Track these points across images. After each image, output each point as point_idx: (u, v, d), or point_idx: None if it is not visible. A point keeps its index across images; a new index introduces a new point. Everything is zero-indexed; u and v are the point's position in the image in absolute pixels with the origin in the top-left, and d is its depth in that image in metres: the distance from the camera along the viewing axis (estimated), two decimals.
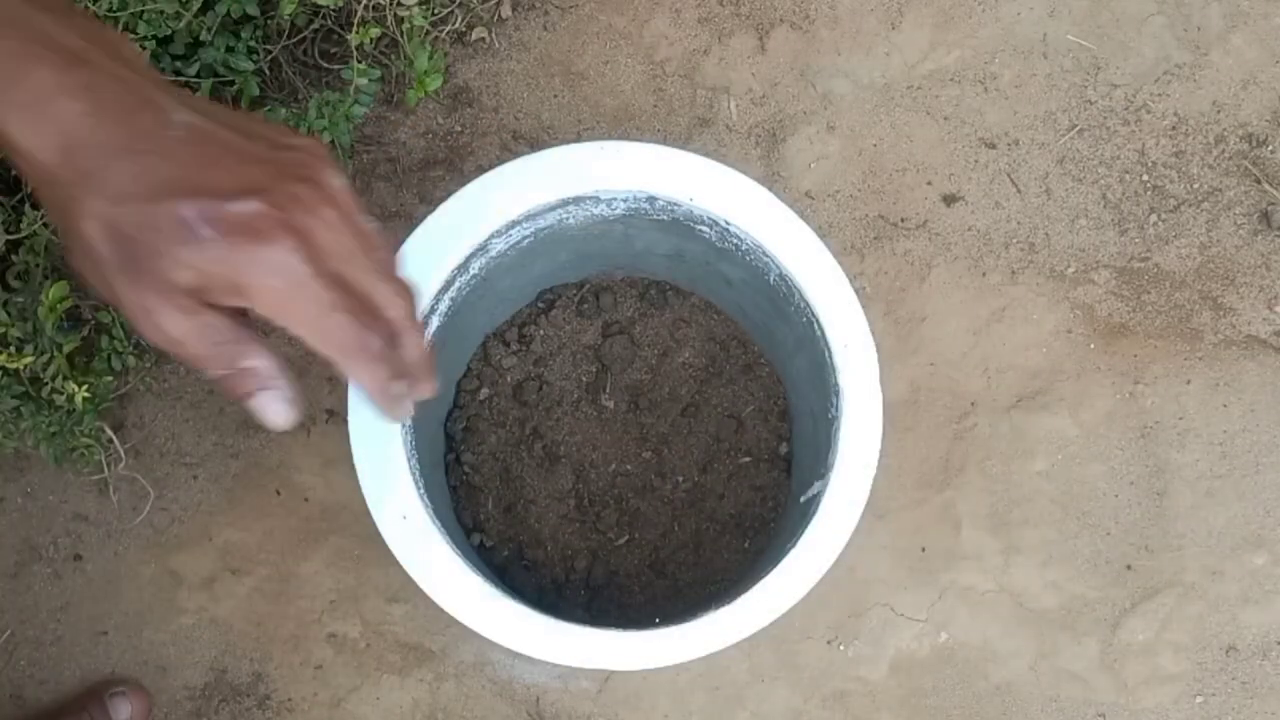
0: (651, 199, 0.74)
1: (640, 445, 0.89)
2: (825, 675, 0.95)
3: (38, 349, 0.83)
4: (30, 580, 0.94)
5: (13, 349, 0.81)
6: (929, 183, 1.00)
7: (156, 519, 0.94)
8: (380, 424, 0.71)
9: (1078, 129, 1.01)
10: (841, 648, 0.95)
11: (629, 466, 0.89)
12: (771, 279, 0.76)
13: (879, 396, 0.72)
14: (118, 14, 0.78)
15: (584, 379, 0.89)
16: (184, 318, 0.43)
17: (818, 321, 0.73)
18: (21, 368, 0.81)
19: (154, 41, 0.83)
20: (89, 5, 0.77)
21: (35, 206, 0.87)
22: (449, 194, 0.73)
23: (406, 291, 0.47)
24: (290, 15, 0.86)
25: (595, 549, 0.88)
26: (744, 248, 0.75)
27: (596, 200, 0.75)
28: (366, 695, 0.93)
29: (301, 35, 0.92)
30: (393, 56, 0.95)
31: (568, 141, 0.73)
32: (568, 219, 0.76)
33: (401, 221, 0.96)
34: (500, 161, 0.74)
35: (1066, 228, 1.00)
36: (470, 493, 0.88)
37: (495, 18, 0.98)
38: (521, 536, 0.88)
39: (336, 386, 0.95)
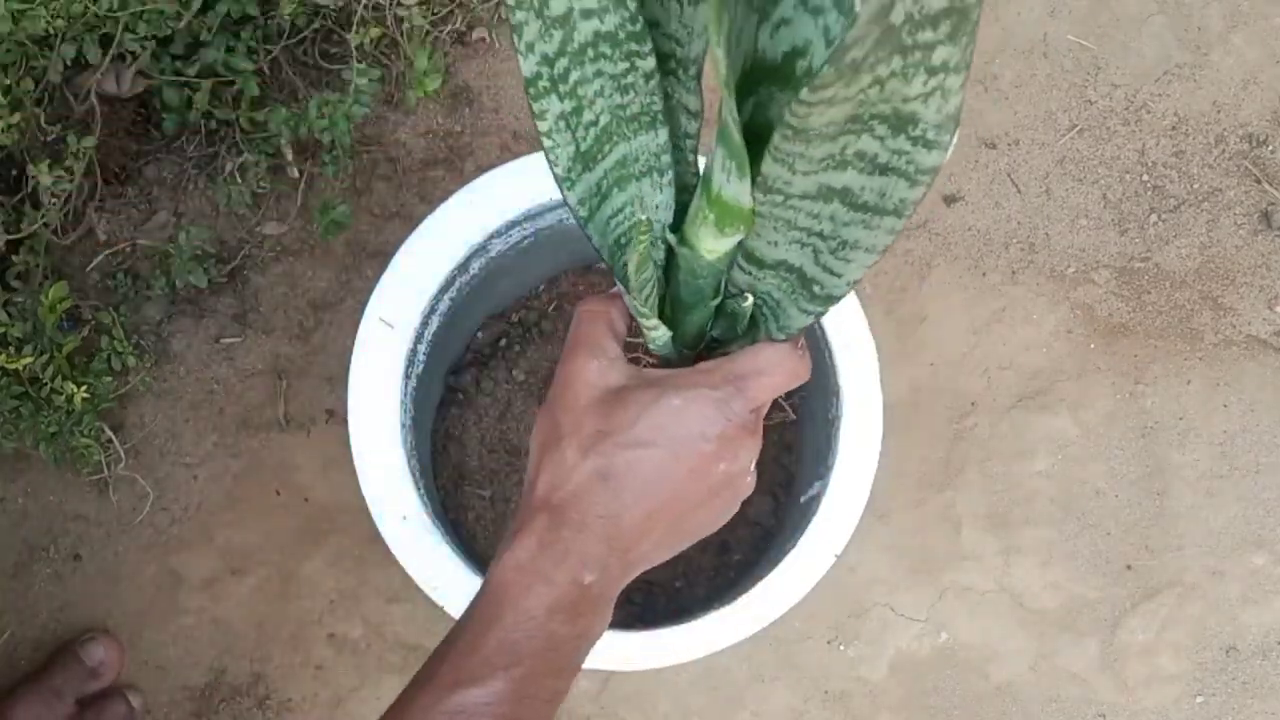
0: None
1: None
2: (825, 675, 0.95)
3: (38, 349, 0.83)
4: (30, 580, 0.94)
5: (13, 349, 0.81)
6: None
7: (156, 519, 0.94)
8: (380, 424, 0.71)
9: (1078, 129, 1.01)
10: (841, 648, 0.95)
11: None
12: None
13: (879, 396, 0.72)
14: (118, 13, 0.78)
15: None
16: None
17: (818, 321, 0.73)
18: (21, 368, 0.81)
19: (154, 41, 0.83)
20: (89, 6, 0.77)
21: (35, 206, 0.87)
22: (449, 194, 0.73)
23: None
24: (290, 15, 0.86)
25: None
26: None
27: None
28: (367, 695, 0.93)
29: (301, 35, 0.92)
30: (393, 56, 0.95)
31: None
32: (568, 219, 0.76)
33: (401, 221, 0.96)
34: (500, 161, 0.74)
35: (1067, 228, 1.00)
36: (460, 488, 0.88)
37: (495, 18, 0.98)
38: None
39: (336, 387, 0.95)
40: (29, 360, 0.81)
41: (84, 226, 0.93)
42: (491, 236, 0.73)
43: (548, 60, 0.43)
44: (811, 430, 0.82)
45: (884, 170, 0.39)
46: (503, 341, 0.89)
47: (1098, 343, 0.99)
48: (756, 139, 0.41)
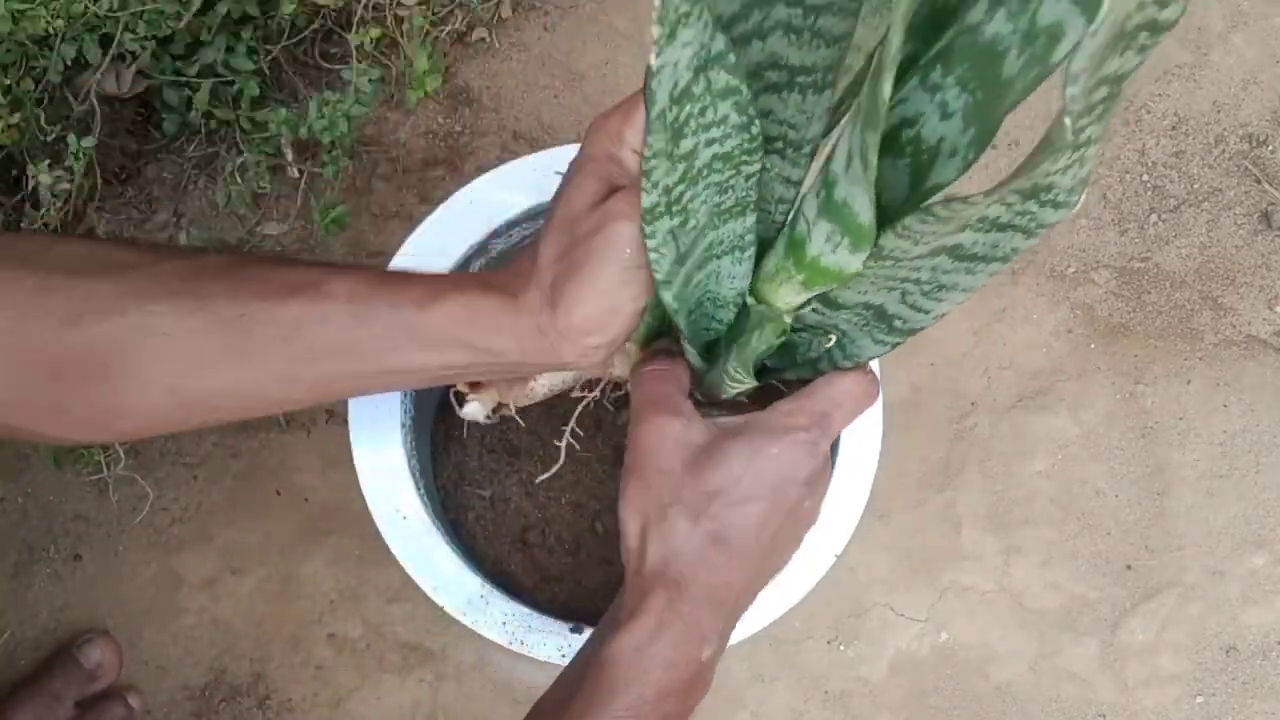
0: None
1: None
2: (825, 675, 0.95)
3: None
4: (30, 580, 0.94)
5: None
6: None
7: (156, 519, 0.94)
8: (380, 424, 0.71)
9: None
10: (841, 648, 0.95)
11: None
12: None
13: (879, 396, 0.72)
14: (118, 14, 0.78)
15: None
16: None
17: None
18: None
19: (154, 41, 0.83)
20: (89, 6, 0.77)
21: (36, 206, 0.87)
22: (449, 194, 0.73)
23: None
24: (290, 15, 0.86)
25: (590, 546, 0.88)
26: None
27: None
28: (366, 695, 0.93)
29: (301, 35, 0.92)
30: (393, 56, 0.95)
31: (568, 141, 0.73)
32: None
33: (401, 221, 0.96)
34: (500, 161, 0.74)
35: (1067, 227, 1.00)
36: (460, 488, 0.88)
37: (495, 18, 0.98)
38: (516, 531, 0.88)
39: None
40: None
41: (84, 226, 0.93)
42: (492, 236, 0.73)
43: (667, 191, 0.43)
44: None
45: (1002, 229, 0.39)
46: None
47: (1098, 343, 0.99)
48: None
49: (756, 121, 0.42)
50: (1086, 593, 0.96)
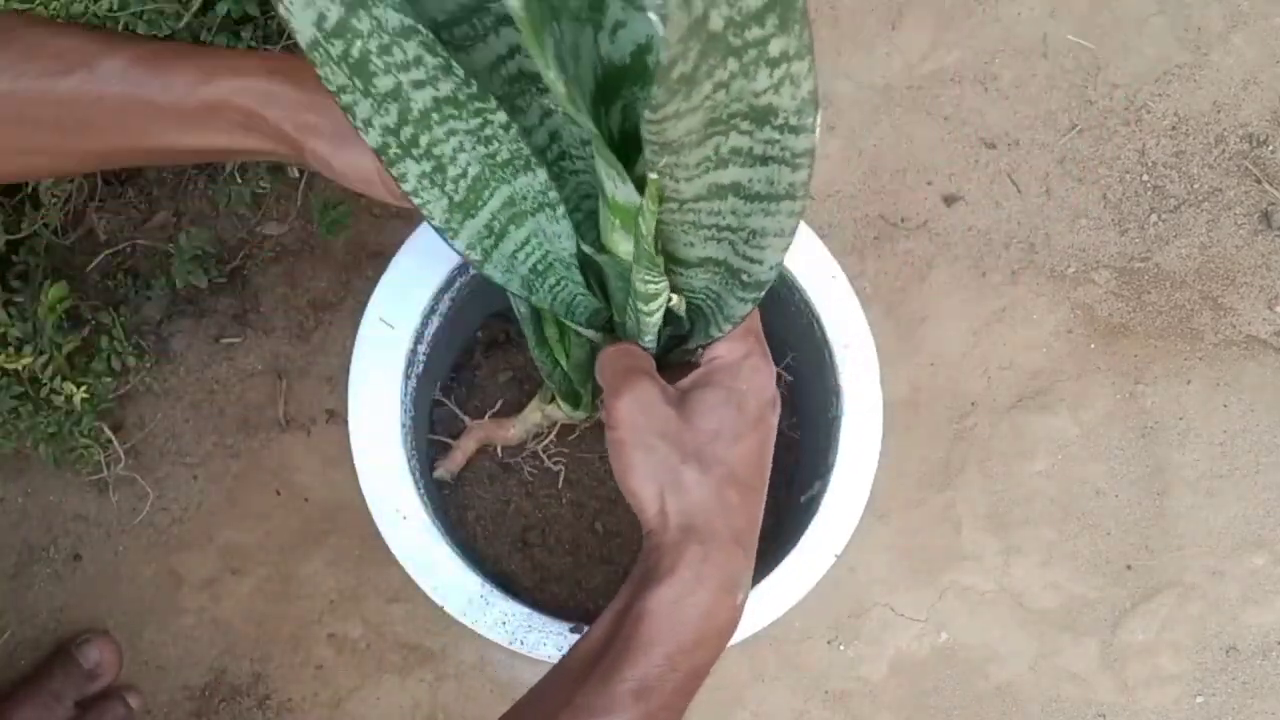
0: None
1: None
2: (825, 675, 0.95)
3: (37, 349, 0.83)
4: (30, 580, 0.94)
5: (13, 349, 0.81)
6: (929, 183, 1.00)
7: (156, 519, 0.94)
8: (380, 424, 0.71)
9: (1078, 129, 1.01)
10: (841, 648, 0.95)
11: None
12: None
13: (879, 396, 0.72)
14: (118, 14, 0.78)
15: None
16: None
17: (818, 321, 0.73)
18: (21, 368, 0.81)
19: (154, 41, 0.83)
20: (89, 5, 0.77)
21: (36, 206, 0.87)
22: None
23: None
24: None
25: (590, 546, 0.88)
26: None
27: None
28: (366, 695, 0.93)
29: None
30: None
31: None
32: None
33: (401, 221, 0.96)
34: None
35: (1067, 228, 1.00)
36: (460, 487, 0.88)
37: None
38: (516, 531, 0.88)
39: (336, 386, 0.95)
40: (29, 360, 0.81)
41: (84, 226, 0.93)
42: None
43: (391, 131, 0.43)
44: (811, 430, 0.82)
45: (764, 161, 0.40)
46: (502, 341, 0.89)
47: (1098, 343, 0.99)
48: (637, 140, 0.41)
49: (457, 67, 0.42)
50: (1086, 593, 0.96)
